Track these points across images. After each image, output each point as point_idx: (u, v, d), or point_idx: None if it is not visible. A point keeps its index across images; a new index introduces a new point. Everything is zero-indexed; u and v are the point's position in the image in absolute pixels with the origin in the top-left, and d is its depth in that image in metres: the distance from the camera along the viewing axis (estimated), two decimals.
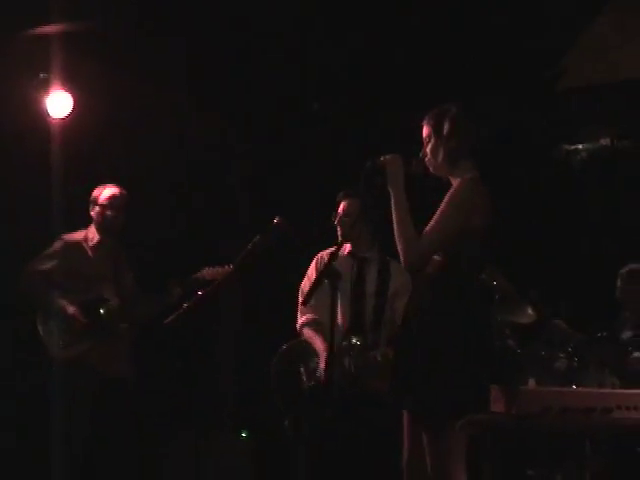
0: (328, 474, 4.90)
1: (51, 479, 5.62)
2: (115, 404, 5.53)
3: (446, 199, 3.92)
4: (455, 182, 3.98)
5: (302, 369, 5.16)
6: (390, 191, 3.99)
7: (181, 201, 6.83)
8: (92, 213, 5.71)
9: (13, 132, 6.12)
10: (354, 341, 5.05)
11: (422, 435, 3.94)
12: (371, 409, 4.99)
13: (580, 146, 5.32)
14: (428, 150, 4.04)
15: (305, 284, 5.31)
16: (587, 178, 5.76)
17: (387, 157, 4.03)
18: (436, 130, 4.01)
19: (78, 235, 5.73)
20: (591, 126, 5.61)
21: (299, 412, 5.12)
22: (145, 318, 5.63)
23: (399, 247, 3.91)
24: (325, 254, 5.29)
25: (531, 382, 4.26)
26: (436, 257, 3.94)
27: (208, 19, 6.09)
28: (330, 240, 5.23)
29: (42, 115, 6.26)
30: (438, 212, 3.91)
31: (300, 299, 5.28)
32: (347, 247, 5.29)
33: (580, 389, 4.08)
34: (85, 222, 5.77)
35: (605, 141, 5.31)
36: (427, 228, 3.89)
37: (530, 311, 5.00)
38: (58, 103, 6.27)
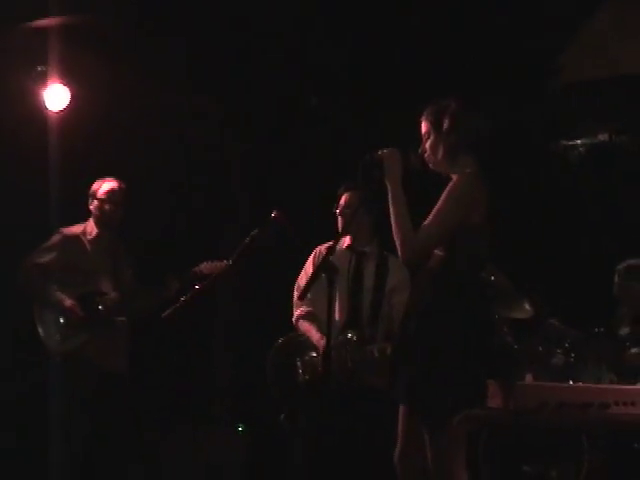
0: (324, 468, 4.89)
1: (49, 474, 5.62)
2: (113, 398, 5.53)
3: (445, 193, 3.91)
4: (455, 177, 3.98)
5: (298, 362, 5.16)
6: (387, 185, 3.98)
7: (180, 196, 6.82)
8: (91, 207, 5.71)
9: (10, 125, 6.11)
10: (350, 336, 5.05)
11: (417, 430, 3.94)
12: (367, 403, 4.99)
13: (578, 141, 5.33)
14: (427, 146, 4.03)
15: (302, 278, 5.31)
16: (585, 173, 5.77)
17: (385, 151, 4.02)
18: (435, 126, 4.00)
19: (77, 229, 5.73)
20: (589, 121, 5.61)
21: (295, 405, 5.12)
22: (143, 312, 5.62)
23: (397, 241, 3.89)
24: (323, 248, 5.28)
25: (528, 377, 4.26)
26: (438, 252, 3.94)
27: (208, 18, 6.08)
28: (329, 235, 5.23)
29: (39, 108, 6.25)
30: (436, 206, 3.90)
31: (296, 293, 5.28)
32: (346, 241, 5.29)
33: (577, 385, 4.08)
34: (83, 216, 5.77)
35: (603, 136, 5.31)
36: (425, 222, 3.88)
37: (527, 306, 5.00)
38: (55, 96, 6.26)
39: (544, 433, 4.81)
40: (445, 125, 3.97)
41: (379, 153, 4.03)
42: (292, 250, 5.46)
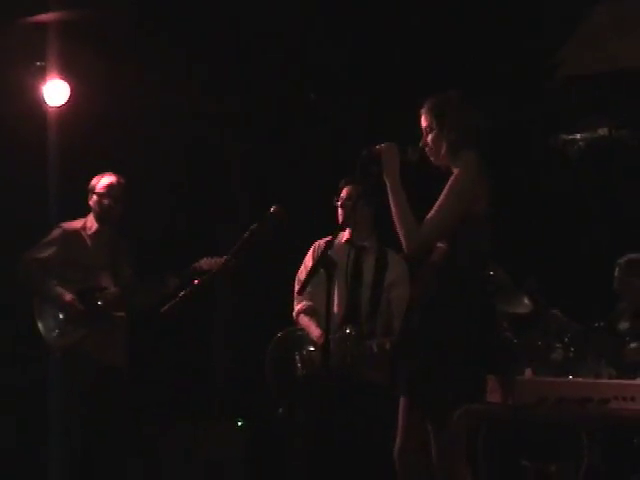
0: (322, 462, 4.89)
1: (49, 468, 5.63)
2: (111, 393, 5.53)
3: (447, 187, 3.92)
4: (456, 170, 3.98)
5: (297, 357, 5.16)
6: (386, 180, 3.98)
7: (179, 194, 6.82)
8: (90, 202, 5.70)
9: (9, 120, 6.11)
10: (348, 331, 5.04)
11: (417, 425, 3.96)
12: (366, 398, 4.99)
13: (578, 136, 5.31)
14: (429, 140, 4.03)
15: (302, 272, 5.32)
16: (585, 168, 5.75)
17: (382, 146, 4.03)
18: (437, 120, 4.00)
19: (77, 224, 5.73)
20: (589, 116, 5.59)
21: (294, 400, 5.12)
22: (142, 307, 5.61)
23: (400, 234, 3.92)
24: (322, 242, 5.29)
25: (527, 372, 4.24)
26: (440, 245, 3.95)
27: (208, 16, 6.08)
28: (328, 234, 5.24)
29: (39, 103, 6.25)
30: (439, 200, 3.92)
31: (296, 287, 5.28)
32: (345, 235, 5.29)
33: (577, 379, 4.06)
34: (82, 211, 5.76)
35: (603, 131, 5.30)
36: (428, 216, 3.90)
37: (526, 301, 4.99)
38: (55, 91, 6.27)
39: (543, 428, 4.80)
40: (447, 119, 3.97)
41: (377, 148, 4.04)
42: (287, 246, 5.48)
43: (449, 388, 3.82)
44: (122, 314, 5.68)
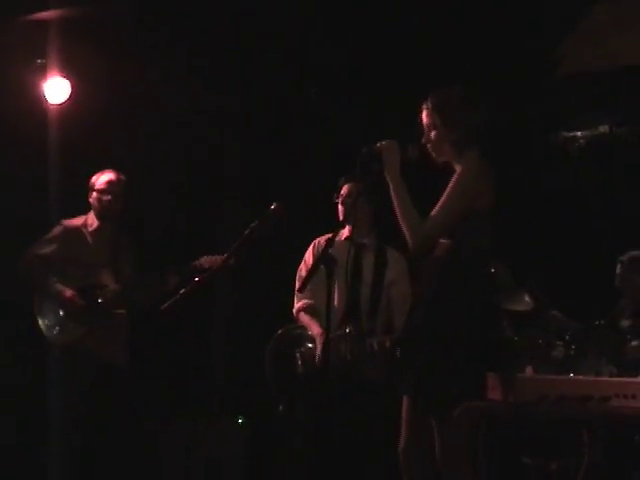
0: (322, 460, 4.89)
1: (49, 466, 5.62)
2: (111, 390, 5.53)
3: (451, 184, 3.94)
4: (459, 168, 3.97)
5: (297, 354, 5.16)
6: (387, 177, 3.98)
7: (179, 192, 6.82)
8: (90, 199, 5.71)
9: (10, 118, 6.11)
10: (348, 330, 5.04)
11: (421, 422, 3.96)
12: (366, 396, 4.99)
13: (578, 133, 5.31)
14: (432, 137, 4.02)
15: (302, 269, 5.32)
16: (585, 165, 5.75)
17: (383, 143, 4.03)
18: (441, 118, 3.99)
19: (78, 221, 5.74)
20: (589, 113, 5.59)
21: (294, 397, 5.11)
22: (143, 304, 5.62)
23: (404, 231, 3.93)
24: (322, 239, 5.30)
25: (528, 370, 4.24)
26: (443, 240, 3.95)
27: (209, 15, 6.08)
28: (328, 227, 5.23)
29: (39, 101, 6.25)
30: (443, 197, 3.93)
31: (297, 284, 5.28)
32: (345, 232, 5.28)
33: (577, 377, 4.05)
34: (83, 209, 5.77)
35: (603, 128, 5.29)
36: (432, 213, 3.92)
37: (527, 299, 4.98)
38: (55, 89, 6.26)
39: (544, 426, 4.79)
40: (450, 117, 3.97)
41: (377, 145, 4.04)
42: (287, 244, 5.48)
43: (453, 383, 3.82)
44: (122, 311, 5.69)
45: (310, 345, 5.15)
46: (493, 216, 3.99)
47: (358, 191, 5.06)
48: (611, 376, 4.40)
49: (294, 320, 5.33)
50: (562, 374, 4.28)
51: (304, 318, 5.25)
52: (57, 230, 5.69)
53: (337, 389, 4.66)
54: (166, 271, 5.57)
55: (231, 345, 6.94)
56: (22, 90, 6.18)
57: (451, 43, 5.93)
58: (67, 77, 6.25)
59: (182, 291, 4.95)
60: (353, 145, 4.18)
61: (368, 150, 4.05)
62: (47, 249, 5.62)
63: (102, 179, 5.68)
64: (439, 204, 3.92)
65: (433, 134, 4.03)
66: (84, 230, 5.71)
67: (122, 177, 5.71)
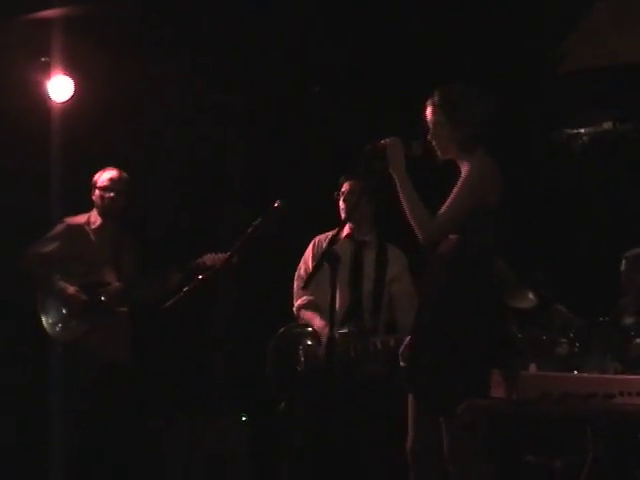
0: (323, 457, 4.89)
1: (50, 463, 5.62)
2: (114, 388, 5.53)
3: (460, 182, 3.95)
4: (465, 166, 3.98)
5: (300, 352, 5.15)
6: (393, 174, 3.99)
7: (182, 190, 6.82)
8: (93, 197, 5.72)
9: (14, 116, 6.12)
10: (352, 328, 5.04)
11: (428, 419, 3.97)
12: (368, 394, 4.98)
13: (582, 130, 5.30)
14: (438, 135, 4.02)
15: (302, 268, 5.32)
16: (589, 162, 5.73)
17: (387, 140, 4.03)
18: (447, 116, 3.99)
19: (81, 218, 5.75)
20: (592, 110, 5.58)
21: (296, 395, 5.11)
22: (145, 302, 5.62)
23: (414, 226, 3.93)
24: (322, 237, 5.31)
25: (532, 367, 4.23)
26: (451, 236, 3.95)
27: (213, 15, 6.08)
28: (329, 225, 5.24)
29: (43, 99, 6.25)
30: (452, 194, 3.95)
31: (297, 283, 5.28)
32: (345, 230, 5.28)
33: (581, 375, 4.05)
34: (86, 207, 5.77)
35: (607, 125, 5.28)
36: (441, 211, 3.94)
37: (531, 296, 4.97)
38: (59, 87, 6.27)
39: (548, 423, 4.79)
40: (457, 114, 3.97)
41: (381, 143, 4.05)
42: (290, 242, 5.48)
43: (459, 380, 3.82)
44: (125, 309, 5.69)
45: (309, 342, 5.14)
46: (496, 214, 3.99)
47: (361, 189, 5.06)
48: (615, 373, 4.40)
49: (295, 318, 5.32)
50: (566, 371, 4.27)
51: (306, 314, 5.24)
52: (60, 228, 5.70)
53: (339, 387, 4.66)
54: (169, 269, 5.57)
55: (233, 343, 6.94)
56: (26, 88, 6.19)
57: (451, 43, 5.92)
58: (70, 75, 6.26)
59: (186, 289, 4.96)
60: (354, 144, 4.19)
61: (372, 147, 4.05)
62: (49, 247, 5.63)
63: (105, 177, 5.69)
64: (448, 201, 3.94)
65: (439, 131, 4.02)
66: (87, 228, 5.72)
67: (125, 175, 5.72)
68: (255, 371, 5.66)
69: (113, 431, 5.55)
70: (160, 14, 6.05)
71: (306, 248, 5.41)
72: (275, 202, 4.92)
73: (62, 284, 5.54)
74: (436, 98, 4.03)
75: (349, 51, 6.25)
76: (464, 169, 4.01)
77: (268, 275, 6.30)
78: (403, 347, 4.17)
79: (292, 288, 5.37)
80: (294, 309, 5.32)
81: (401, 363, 4.16)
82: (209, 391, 6.71)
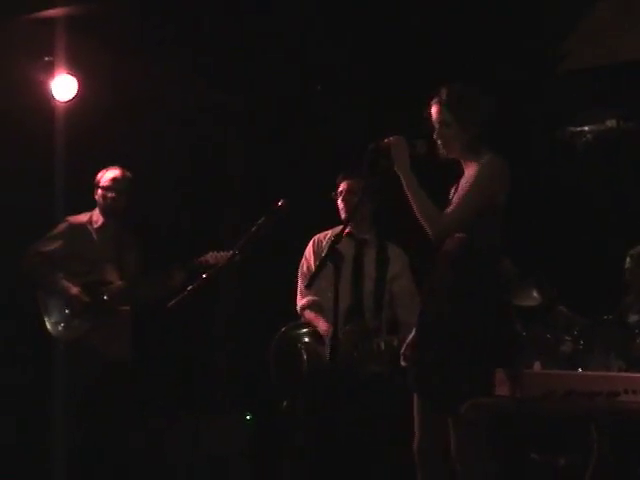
0: (326, 457, 4.89)
1: (52, 462, 5.62)
2: (116, 386, 5.53)
3: (470, 181, 3.95)
4: (469, 165, 3.98)
5: (303, 351, 5.15)
6: (398, 173, 3.99)
7: (184, 189, 6.82)
8: (95, 196, 5.72)
9: (17, 115, 6.12)
10: (355, 328, 5.03)
11: (435, 418, 3.97)
12: (371, 394, 4.98)
13: (585, 128, 5.30)
14: (443, 134, 4.01)
15: (304, 265, 5.31)
16: (592, 160, 5.74)
17: (391, 139, 4.03)
18: (453, 115, 3.98)
19: (83, 217, 5.76)
20: (596, 108, 5.58)
21: (298, 394, 5.10)
22: (148, 301, 5.62)
23: (424, 223, 3.93)
24: (321, 236, 5.30)
25: (536, 365, 4.24)
26: (457, 235, 3.96)
27: (214, 14, 6.08)
28: (330, 224, 5.24)
29: (47, 98, 6.26)
30: (461, 193, 3.96)
31: (299, 282, 5.28)
32: (345, 229, 5.27)
33: (586, 373, 4.05)
34: (89, 206, 5.78)
35: (611, 123, 5.28)
36: (450, 208, 3.96)
37: (535, 294, 4.98)
38: (63, 86, 6.28)
39: (552, 421, 4.79)
40: (464, 113, 3.97)
41: (385, 141, 4.04)
42: (292, 241, 5.48)
43: (465, 379, 3.82)
44: (127, 308, 5.69)
45: (307, 340, 5.14)
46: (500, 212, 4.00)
47: (362, 188, 5.05)
48: (620, 371, 4.40)
49: (298, 317, 5.32)
50: (570, 369, 4.28)
51: (309, 315, 5.23)
52: (62, 227, 5.71)
53: (342, 387, 4.66)
54: (171, 267, 5.57)
55: (235, 342, 6.94)
56: (29, 87, 6.20)
57: (451, 43, 5.93)
58: (74, 74, 6.27)
59: (189, 288, 4.96)
60: (354, 144, 4.19)
61: (375, 147, 4.05)
62: (51, 246, 5.63)
63: (107, 176, 5.70)
64: (457, 200, 3.96)
65: (444, 131, 4.02)
66: (89, 227, 5.73)
67: (127, 174, 5.72)
68: (257, 370, 5.66)
69: (115, 430, 5.55)
70: (162, 14, 6.05)
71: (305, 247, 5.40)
72: (279, 201, 4.92)
73: (64, 283, 5.54)
74: (441, 97, 4.02)
75: (349, 51, 6.25)
76: (468, 169, 4.01)
77: (270, 274, 6.31)
78: (405, 346, 4.17)
79: (294, 287, 5.36)
80: (298, 309, 5.31)
81: (402, 363, 4.16)
82: (211, 390, 6.71)
